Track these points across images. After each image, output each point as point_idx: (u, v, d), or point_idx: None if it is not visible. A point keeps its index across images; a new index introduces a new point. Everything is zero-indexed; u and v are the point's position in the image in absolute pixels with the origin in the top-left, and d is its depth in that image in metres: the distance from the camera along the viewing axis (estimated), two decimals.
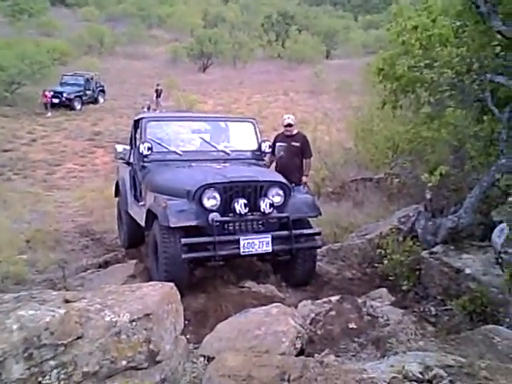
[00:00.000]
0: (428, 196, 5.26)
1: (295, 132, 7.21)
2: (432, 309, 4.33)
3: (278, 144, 6.66)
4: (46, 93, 23.65)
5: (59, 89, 25.20)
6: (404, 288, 4.81)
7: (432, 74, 5.11)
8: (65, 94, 24.67)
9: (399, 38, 5.96)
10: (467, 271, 4.28)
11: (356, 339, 3.61)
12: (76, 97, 25.24)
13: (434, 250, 4.81)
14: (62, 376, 2.40)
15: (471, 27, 5.30)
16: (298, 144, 6.99)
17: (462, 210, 4.74)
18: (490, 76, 4.81)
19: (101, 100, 27.46)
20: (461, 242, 4.82)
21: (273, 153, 6.63)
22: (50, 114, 23.22)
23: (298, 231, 5.12)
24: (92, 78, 26.99)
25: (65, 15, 51.38)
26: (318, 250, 5.88)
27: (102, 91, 27.88)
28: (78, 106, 25.27)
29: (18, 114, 22.73)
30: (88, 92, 26.35)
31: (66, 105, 24.69)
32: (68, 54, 35.45)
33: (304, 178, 7.13)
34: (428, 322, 4.00)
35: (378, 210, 7.22)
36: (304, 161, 7.16)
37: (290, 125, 7.13)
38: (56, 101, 24.50)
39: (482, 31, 5.06)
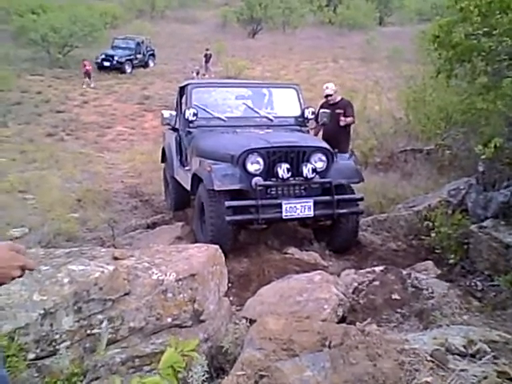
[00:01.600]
0: (480, 169, 5.09)
1: (338, 99, 7.15)
2: (478, 284, 4.24)
3: (321, 111, 6.61)
4: (86, 62, 22.66)
5: (110, 52, 25.50)
6: (451, 262, 4.73)
7: (490, 43, 4.89)
8: (116, 58, 24.94)
9: (457, 5, 5.69)
10: None
11: (399, 310, 3.58)
12: (127, 60, 25.47)
13: (484, 224, 4.67)
14: (110, 330, 2.49)
15: None
16: (341, 111, 6.90)
17: None
18: None
19: (151, 64, 27.60)
20: None
21: (316, 120, 6.57)
22: (92, 85, 22.29)
23: (340, 196, 5.13)
24: (143, 42, 27.13)
25: None
26: (363, 220, 5.86)
27: (153, 55, 28.00)
28: (128, 69, 25.51)
29: (70, 76, 23.22)
30: (138, 56, 26.51)
31: (117, 68, 24.97)
32: (119, 18, 35.77)
33: (342, 119, 7.04)
34: (474, 297, 3.93)
35: (426, 182, 7.05)
36: (347, 127, 7.16)
37: (328, 95, 7.10)
38: (107, 64, 24.86)
39: None
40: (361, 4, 42.94)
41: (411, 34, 21.80)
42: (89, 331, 2.43)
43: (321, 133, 7.13)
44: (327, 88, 7.18)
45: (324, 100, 7.31)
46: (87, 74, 22.33)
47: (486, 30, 5.05)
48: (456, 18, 5.81)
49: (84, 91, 21.47)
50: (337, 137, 6.69)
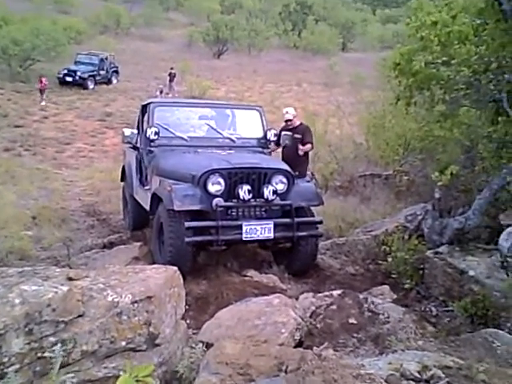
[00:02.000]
0: (437, 195, 5.22)
1: (297, 124, 7.21)
2: (433, 309, 4.32)
3: (283, 133, 6.66)
4: (43, 78, 21.97)
5: (73, 67, 25.21)
6: (406, 286, 4.80)
7: (449, 72, 5.06)
8: (78, 73, 24.66)
9: (418, 34, 5.89)
10: (471, 273, 4.26)
11: (355, 335, 3.60)
12: (90, 76, 25.24)
13: (439, 250, 4.78)
14: (61, 353, 2.40)
15: (492, 25, 5.23)
16: (299, 136, 6.96)
17: (470, 212, 4.71)
18: (507, 76, 4.75)
19: (114, 81, 27.43)
20: (466, 244, 4.79)
21: (278, 142, 6.62)
22: (43, 104, 21.40)
23: (300, 219, 5.16)
24: (106, 58, 26.95)
25: None
26: (322, 243, 5.90)
27: (116, 72, 27.83)
28: (91, 85, 25.27)
29: (30, 91, 22.77)
30: (102, 72, 26.32)
31: (80, 84, 24.66)
32: (84, 33, 35.44)
33: (301, 148, 6.96)
34: (428, 322, 3.99)
35: (384, 207, 7.19)
36: (305, 146, 7.12)
37: (288, 120, 7.14)
38: (69, 79, 24.56)
39: (503, 30, 4.99)
40: (325, 29, 44.02)
41: (373, 61, 22.44)
42: (40, 354, 2.34)
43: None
44: (287, 113, 7.25)
45: (284, 124, 7.36)
46: (41, 91, 21.79)
47: (444, 59, 5.22)
48: (416, 46, 6.01)
49: (45, 106, 21.08)
50: (295, 160, 6.70)
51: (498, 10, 4.85)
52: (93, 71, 25.59)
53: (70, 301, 2.48)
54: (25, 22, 27.62)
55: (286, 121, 7.16)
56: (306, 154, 7.12)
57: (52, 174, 13.16)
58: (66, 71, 24.74)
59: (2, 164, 13.30)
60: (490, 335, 3.36)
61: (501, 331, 3.50)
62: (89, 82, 25.14)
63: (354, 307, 3.87)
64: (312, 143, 7.26)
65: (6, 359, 2.22)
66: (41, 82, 21.69)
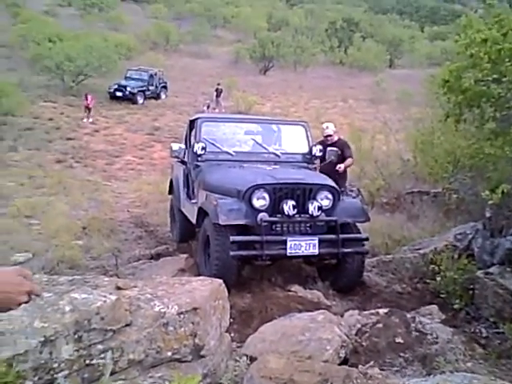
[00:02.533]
0: (488, 214, 5.08)
1: (336, 139, 7.19)
2: (483, 330, 4.18)
3: (329, 149, 6.62)
4: (88, 96, 21.77)
5: (123, 82, 25.92)
6: (456, 307, 4.66)
7: (499, 89, 4.95)
8: (128, 88, 25.34)
9: (467, 51, 5.79)
10: None
11: (402, 354, 3.52)
12: (139, 91, 25.86)
13: (490, 270, 4.63)
14: (109, 361, 2.45)
15: None
16: (334, 149, 6.92)
17: None
18: None
19: (163, 96, 28.00)
20: None
21: (323, 157, 6.59)
22: (90, 120, 21.48)
23: (346, 235, 5.12)
24: (156, 74, 27.58)
25: (134, 11, 52.80)
26: (368, 261, 5.81)
27: (165, 87, 28.42)
28: (140, 100, 25.89)
29: (82, 105, 23.52)
30: (151, 87, 26.94)
31: (129, 98, 25.36)
32: (134, 49, 36.45)
33: (340, 166, 6.99)
34: (478, 344, 3.87)
35: (433, 225, 7.02)
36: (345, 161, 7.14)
37: (329, 135, 7.18)
38: (119, 94, 25.26)
39: None
40: (371, 46, 43.84)
41: (420, 78, 22.11)
42: (88, 361, 2.39)
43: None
44: (327, 128, 7.24)
45: (321, 139, 7.31)
46: (88, 108, 21.58)
47: (495, 76, 5.11)
48: (466, 63, 5.91)
49: (95, 120, 21.72)
50: (334, 176, 6.64)
51: None
52: (142, 86, 26.22)
53: (118, 310, 2.53)
54: (77, 39, 28.65)
55: (326, 136, 7.14)
56: (345, 169, 7.09)
57: (102, 186, 13.53)
58: (116, 86, 25.48)
59: (54, 175, 13.80)
60: None
61: None
62: (138, 97, 25.78)
63: (401, 326, 3.78)
64: (352, 157, 7.23)
65: (55, 365, 2.27)
66: (86, 98, 21.62)
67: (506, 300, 4.27)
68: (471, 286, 4.73)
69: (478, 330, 4.20)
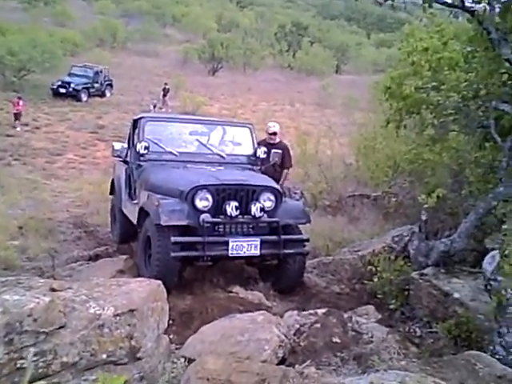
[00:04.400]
0: (424, 217, 5.26)
1: (277, 140, 7.29)
2: (417, 330, 4.32)
3: (273, 151, 6.68)
4: (20, 101, 19.73)
5: (67, 79, 25.31)
6: (391, 307, 4.80)
7: (438, 97, 5.13)
8: (72, 85, 24.76)
9: (409, 58, 6.00)
10: (455, 295, 4.28)
11: (338, 353, 3.59)
12: (83, 88, 25.35)
13: (425, 271, 4.80)
14: (41, 364, 2.38)
15: (481, 53, 5.32)
16: (279, 151, 6.99)
17: (456, 235, 4.74)
18: (495, 103, 4.82)
19: (108, 94, 27.52)
20: (452, 267, 4.82)
21: (268, 159, 6.63)
22: (18, 129, 19.23)
23: (287, 236, 5.18)
24: (101, 72, 27.07)
25: (80, 6, 51.57)
26: (309, 262, 5.90)
27: (110, 85, 27.95)
28: (84, 97, 25.34)
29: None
30: (96, 85, 26.42)
31: (73, 95, 24.75)
32: (80, 46, 35.60)
33: (283, 177, 7.23)
34: (412, 343, 3.99)
35: (372, 228, 7.21)
36: (283, 171, 7.26)
37: (274, 133, 7.24)
38: (63, 91, 24.64)
39: (491, 58, 5.08)
40: (319, 51, 44.54)
41: (366, 84, 22.67)
42: (19, 365, 2.31)
43: None
44: (274, 126, 7.30)
45: (262, 139, 7.34)
46: (16, 115, 19.46)
47: (434, 84, 5.30)
48: (407, 71, 6.11)
49: (36, 116, 21.06)
50: (270, 176, 6.69)
51: (487, 38, 4.95)
52: (87, 83, 25.69)
53: (51, 312, 2.46)
54: (21, 33, 27.70)
55: (271, 133, 7.20)
56: (282, 172, 7.20)
57: (41, 185, 13.11)
58: (59, 82, 24.86)
59: None
60: (472, 357, 3.37)
61: (484, 354, 3.50)
62: (82, 94, 25.21)
63: (338, 326, 3.86)
64: (291, 166, 7.37)
65: None
66: (17, 103, 19.58)
67: (439, 300, 4.43)
68: (407, 287, 4.88)
69: (412, 330, 4.34)
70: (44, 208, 9.99)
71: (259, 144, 6.89)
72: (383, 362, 3.43)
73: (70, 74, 26.06)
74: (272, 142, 7.17)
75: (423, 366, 3.43)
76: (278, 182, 6.82)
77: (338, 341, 3.70)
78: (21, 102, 19.67)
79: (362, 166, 9.65)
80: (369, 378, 2.69)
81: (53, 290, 2.71)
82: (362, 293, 5.38)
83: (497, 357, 3.56)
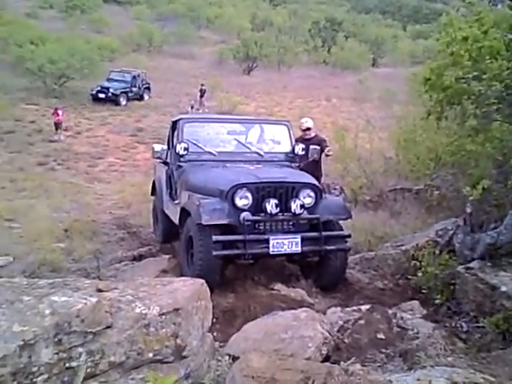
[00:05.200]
0: (468, 210, 5.13)
1: (313, 135, 7.26)
2: (464, 325, 4.22)
3: (311, 147, 6.66)
4: (58, 110, 19.47)
5: (106, 84, 25.80)
6: (437, 302, 4.70)
7: (480, 87, 5.00)
8: (111, 90, 25.22)
9: (448, 49, 5.86)
10: (503, 289, 4.15)
11: (384, 350, 3.55)
12: (122, 93, 25.77)
13: (471, 265, 4.68)
14: (89, 364, 2.42)
15: None
16: (316, 146, 6.97)
17: (503, 227, 4.61)
18: None
19: (146, 97, 27.92)
20: (499, 259, 4.68)
21: (306, 155, 6.62)
22: (61, 137, 19.17)
23: (328, 233, 5.14)
24: (139, 76, 27.50)
25: (116, 13, 52.52)
26: (351, 258, 5.84)
27: (148, 88, 28.35)
28: (123, 101, 25.78)
29: (64, 107, 23.32)
30: (134, 89, 26.85)
31: (112, 100, 25.23)
32: (117, 51, 36.29)
33: (328, 150, 7.28)
34: (459, 338, 3.90)
35: (415, 222, 7.08)
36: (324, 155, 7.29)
37: (308, 128, 7.29)
38: (102, 96, 25.11)
39: None
40: (354, 45, 44.07)
41: (403, 76, 22.30)
42: (68, 364, 2.36)
43: None
44: (306, 122, 7.30)
45: (298, 136, 7.33)
46: (57, 125, 19.35)
47: (475, 74, 5.17)
48: (447, 61, 5.97)
49: (77, 122, 21.57)
50: (309, 171, 6.67)
51: None
52: (125, 88, 26.12)
53: (98, 312, 2.50)
54: (60, 41, 28.44)
55: (305, 129, 7.19)
56: (320, 166, 7.16)
57: (84, 188, 13.43)
58: (99, 88, 25.34)
59: (35, 178, 13.69)
60: None
61: None
62: (121, 99, 25.67)
63: (383, 322, 3.81)
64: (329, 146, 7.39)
65: (35, 369, 2.24)
66: (57, 114, 19.37)
67: (486, 294, 4.32)
68: (452, 281, 4.77)
69: (458, 325, 4.24)
70: (88, 210, 10.24)
71: (296, 140, 6.89)
72: (430, 359, 3.37)
73: (108, 80, 26.57)
74: (308, 137, 7.16)
75: (471, 361, 3.36)
76: (318, 178, 6.83)
77: (383, 337, 3.66)
78: (60, 112, 19.55)
79: (403, 159, 9.49)
80: (415, 375, 2.65)
81: (99, 290, 2.76)
82: (406, 288, 5.29)
83: None
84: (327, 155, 7.32)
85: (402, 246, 5.94)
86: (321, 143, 7.19)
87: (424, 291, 4.93)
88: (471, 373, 2.66)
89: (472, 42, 5.64)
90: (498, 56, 5.39)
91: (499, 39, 5.63)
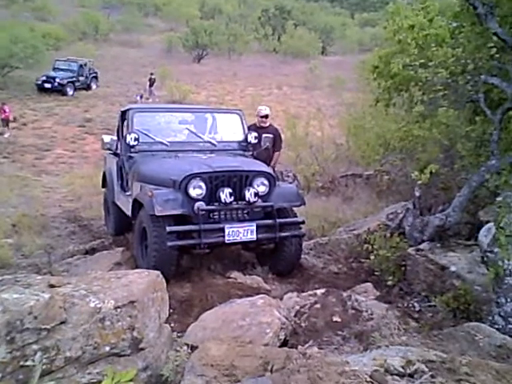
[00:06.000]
0: (417, 194, 5.28)
1: (268, 124, 7.29)
2: (416, 305, 4.36)
3: (264, 135, 6.67)
4: (5, 107, 18.72)
5: (52, 74, 25.08)
6: (389, 283, 4.83)
7: (426, 74, 5.12)
8: (57, 80, 24.53)
9: (395, 37, 5.96)
10: (452, 269, 4.32)
11: (339, 332, 3.62)
12: (69, 82, 25.09)
13: (421, 247, 4.83)
14: (45, 360, 2.38)
15: (468, 28, 5.32)
16: (270, 135, 7.00)
17: (450, 209, 4.77)
18: (484, 77, 4.82)
19: (93, 86, 27.27)
20: (447, 240, 4.86)
21: (259, 144, 6.63)
22: (7, 135, 18.20)
23: (282, 220, 5.19)
24: (85, 65, 26.80)
25: (60, 0, 50.83)
26: (305, 244, 5.93)
27: (95, 78, 27.69)
28: (70, 91, 25.10)
29: (8, 98, 22.46)
30: (81, 78, 26.17)
31: (58, 90, 24.54)
32: (62, 40, 35.20)
33: (275, 157, 7.28)
34: (411, 318, 4.03)
35: (366, 206, 7.24)
36: (274, 153, 7.28)
37: (266, 116, 7.27)
38: (48, 86, 24.41)
39: (478, 33, 5.08)
40: (304, 33, 44.19)
41: (352, 64, 22.60)
42: (22, 362, 2.31)
43: None
44: (265, 109, 7.31)
45: (252, 123, 7.35)
46: (4, 121, 18.52)
47: (422, 61, 5.27)
48: (394, 49, 6.08)
49: (23, 113, 20.85)
50: (261, 159, 6.68)
51: (473, 13, 4.93)
52: (72, 77, 25.43)
53: (51, 308, 2.46)
54: (2, 29, 27.27)
55: (263, 116, 7.19)
56: (272, 155, 7.21)
57: (31, 181, 13.03)
58: (44, 78, 24.60)
59: None
60: (472, 329, 3.41)
61: (483, 324, 3.55)
62: (68, 89, 24.98)
63: (338, 305, 3.89)
64: (280, 149, 7.41)
65: None
66: (4, 110, 18.58)
67: (436, 274, 4.47)
68: (403, 263, 4.92)
69: (411, 305, 4.38)
70: (36, 204, 9.94)
71: (249, 128, 6.89)
72: (384, 339, 3.47)
73: (54, 69, 25.82)
74: (263, 125, 7.17)
75: (424, 339, 3.47)
76: (269, 165, 6.89)
77: (339, 320, 3.73)
78: (7, 108, 18.77)
79: (353, 145, 9.66)
80: (371, 355, 2.71)
81: (51, 286, 2.70)
82: (359, 271, 5.42)
83: (496, 327, 3.61)
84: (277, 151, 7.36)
85: (355, 230, 6.07)
86: (275, 135, 7.20)
87: (377, 273, 5.06)
88: (425, 350, 2.74)
89: (418, 29, 5.77)
90: (444, 43, 5.53)
91: (444, 27, 5.78)
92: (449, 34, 5.66)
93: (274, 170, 7.21)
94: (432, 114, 5.77)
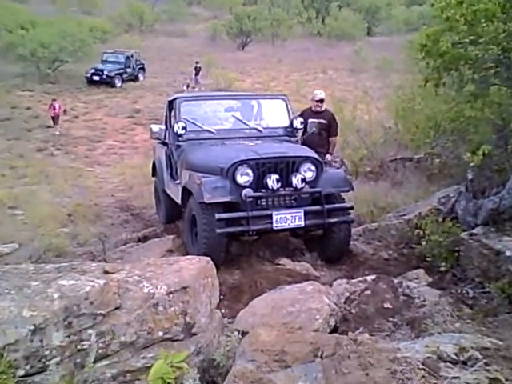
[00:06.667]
0: (470, 176, 5.13)
1: (323, 108, 7.17)
2: (470, 291, 4.24)
3: (310, 120, 6.61)
4: (55, 103, 18.44)
5: (100, 66, 25.63)
6: (442, 269, 4.73)
7: (477, 51, 4.94)
8: (105, 72, 25.06)
9: (443, 14, 5.75)
10: (508, 254, 4.16)
11: (391, 319, 3.58)
12: (116, 74, 25.60)
13: (474, 231, 4.69)
14: (100, 344, 2.46)
15: None
16: (325, 121, 6.91)
17: (505, 191, 4.60)
18: None
19: (141, 78, 27.73)
20: (502, 224, 4.68)
21: (305, 129, 6.58)
22: (57, 132, 18.09)
23: (330, 206, 5.16)
24: (132, 56, 27.24)
25: None
26: (354, 230, 5.86)
27: (142, 69, 28.13)
28: (118, 83, 25.61)
29: (60, 91, 23.19)
30: (128, 70, 26.65)
31: (107, 82, 25.06)
32: (109, 32, 35.87)
33: (328, 156, 7.08)
34: (465, 304, 3.93)
35: (417, 191, 7.08)
36: (330, 139, 7.15)
37: (322, 100, 7.11)
38: (97, 78, 24.97)
39: None
40: (349, 15, 43.39)
41: (399, 44, 22.07)
42: (79, 346, 2.41)
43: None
44: (321, 93, 7.17)
45: (306, 107, 7.27)
46: (54, 118, 18.37)
47: (472, 38, 5.09)
48: (443, 27, 5.88)
49: (74, 106, 21.44)
50: (317, 145, 6.61)
51: None
52: (119, 69, 25.94)
53: (106, 294, 2.54)
54: (50, 24, 28.05)
55: (318, 100, 7.07)
56: (327, 139, 7.11)
57: (84, 172, 13.44)
58: (93, 70, 25.17)
59: (35, 164, 13.70)
60: None
61: None
62: (116, 80, 25.50)
63: (389, 292, 3.84)
64: (337, 134, 7.27)
65: (47, 352, 2.29)
66: (53, 107, 18.35)
67: (490, 260, 4.33)
68: (456, 248, 4.78)
69: (464, 291, 4.26)
70: (90, 194, 10.26)
71: (304, 112, 6.85)
72: (437, 326, 3.40)
73: (102, 61, 26.36)
74: (318, 109, 7.08)
75: (478, 326, 3.39)
76: (326, 150, 6.83)
77: (390, 306, 3.69)
78: (57, 105, 18.50)
79: (402, 128, 9.44)
80: (424, 342, 2.67)
81: (106, 272, 2.79)
82: (410, 257, 5.32)
83: None
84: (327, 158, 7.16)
85: (405, 215, 5.95)
86: (330, 121, 7.08)
87: (428, 259, 4.95)
88: (479, 337, 2.69)
89: (467, 5, 5.54)
90: (494, 19, 5.30)
91: (494, 1, 5.54)
92: (499, 8, 5.41)
93: (330, 155, 7.17)
94: (484, 93, 5.56)
